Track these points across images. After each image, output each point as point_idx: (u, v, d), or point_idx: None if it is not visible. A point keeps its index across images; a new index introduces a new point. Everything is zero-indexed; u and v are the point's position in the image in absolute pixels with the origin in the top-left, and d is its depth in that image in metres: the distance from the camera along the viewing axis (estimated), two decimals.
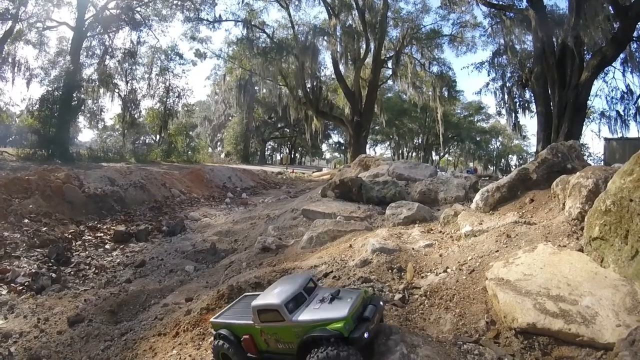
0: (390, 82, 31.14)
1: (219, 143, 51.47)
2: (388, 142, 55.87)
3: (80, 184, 10.31)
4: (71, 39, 22.59)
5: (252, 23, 24.86)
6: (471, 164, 56.73)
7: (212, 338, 2.35)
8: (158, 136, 30.91)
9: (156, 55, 27.10)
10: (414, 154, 53.91)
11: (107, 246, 7.56)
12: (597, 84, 18.87)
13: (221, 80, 32.26)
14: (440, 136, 33.60)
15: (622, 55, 17.00)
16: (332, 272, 3.30)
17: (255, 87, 35.33)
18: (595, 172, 3.26)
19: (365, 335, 1.83)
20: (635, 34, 16.14)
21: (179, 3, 24.46)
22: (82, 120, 31.48)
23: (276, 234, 5.45)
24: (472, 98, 45.48)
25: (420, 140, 50.99)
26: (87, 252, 7.07)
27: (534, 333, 2.12)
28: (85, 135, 57.60)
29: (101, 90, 25.26)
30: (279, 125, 48.95)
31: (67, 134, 21.93)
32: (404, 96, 38.97)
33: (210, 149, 47.14)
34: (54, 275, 5.72)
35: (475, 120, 50.50)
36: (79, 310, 4.32)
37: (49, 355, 3.33)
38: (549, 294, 2.28)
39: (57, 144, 19.88)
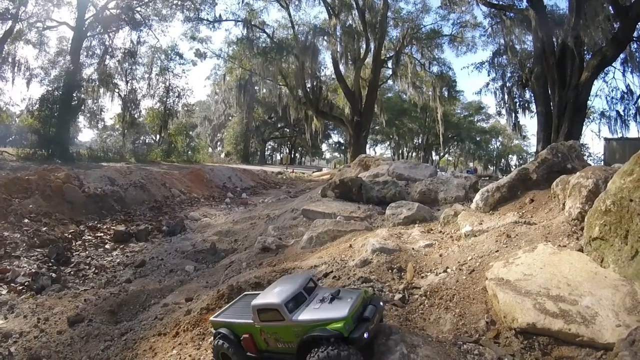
0: (390, 82, 31.16)
1: (219, 143, 51.48)
2: (388, 142, 55.88)
3: (80, 183, 10.31)
4: (71, 39, 22.60)
5: (252, 23, 24.85)
6: (471, 164, 56.73)
7: (212, 337, 2.35)
8: (158, 136, 30.92)
9: (156, 55, 27.14)
10: (414, 154, 53.92)
11: (107, 246, 7.56)
12: (597, 84, 18.91)
13: (221, 80, 32.26)
14: (440, 136, 33.60)
15: (622, 56, 17.00)
16: (332, 272, 3.30)
17: (255, 87, 35.31)
18: (595, 172, 3.26)
19: (365, 335, 1.84)
20: (635, 34, 16.14)
21: (179, 3, 24.46)
22: (82, 120, 31.48)
23: (276, 234, 5.45)
24: (472, 98, 45.55)
25: (420, 140, 51.00)
26: (87, 252, 7.07)
27: (534, 333, 2.12)
28: (85, 135, 57.71)
29: (101, 90, 25.29)
30: (279, 125, 48.95)
31: (67, 134, 21.92)
32: (404, 96, 38.98)
33: (210, 149, 47.15)
34: (54, 275, 5.72)
35: (475, 120, 50.50)
36: (79, 310, 4.32)
37: (49, 355, 3.33)
38: (549, 294, 2.28)
39: (57, 144, 19.87)
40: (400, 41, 25.19)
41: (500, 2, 20.13)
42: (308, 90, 26.09)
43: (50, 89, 22.51)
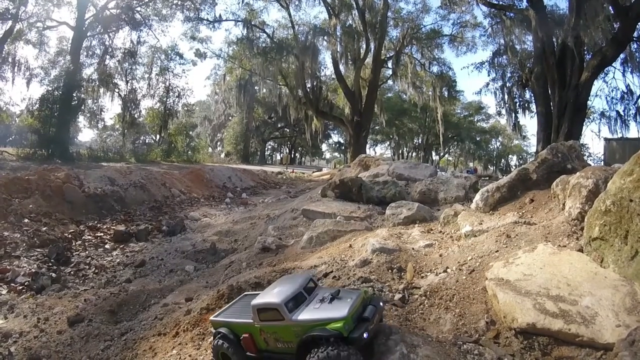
0: (390, 82, 31.17)
1: (219, 143, 51.48)
2: (388, 142, 55.88)
3: (80, 183, 10.31)
4: (71, 39, 22.60)
5: (252, 23, 24.86)
6: (471, 164, 56.73)
7: (212, 337, 2.35)
8: (158, 136, 30.92)
9: (156, 55, 27.15)
10: (414, 154, 53.92)
11: (107, 246, 7.56)
12: (597, 84, 18.90)
13: (221, 80, 32.27)
14: (440, 136, 33.60)
15: (622, 56, 17.01)
16: (332, 272, 3.30)
17: (255, 87, 35.31)
18: (595, 172, 3.26)
19: (365, 335, 1.84)
20: (635, 34, 16.14)
21: (179, 3, 24.47)
22: (82, 120, 31.49)
23: (276, 234, 5.45)
24: (472, 98, 45.53)
25: (420, 140, 51.00)
26: (87, 252, 7.07)
27: (534, 333, 2.12)
28: (85, 135, 57.68)
29: (101, 90, 25.29)
30: (279, 125, 48.95)
31: (67, 134, 21.92)
32: (404, 96, 38.98)
33: (210, 149, 47.16)
34: (53, 275, 5.72)
35: (475, 120, 50.50)
36: (79, 310, 4.32)
37: (49, 355, 3.33)
38: (548, 294, 2.28)
39: (57, 144, 19.87)
40: (400, 41, 25.19)
41: (500, 2, 20.13)
42: (308, 90, 26.09)
43: (50, 88, 22.54)
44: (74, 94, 22.33)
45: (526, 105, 21.47)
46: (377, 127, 43.98)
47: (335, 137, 58.90)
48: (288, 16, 25.01)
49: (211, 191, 14.55)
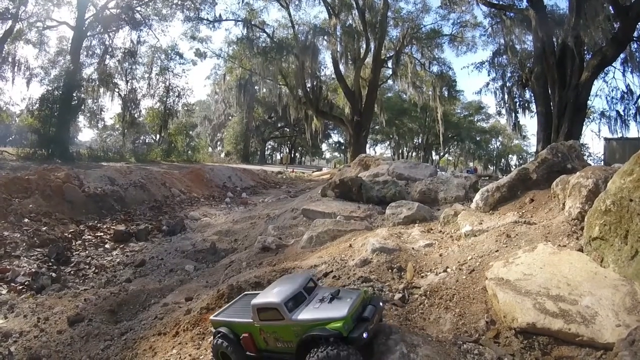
0: (390, 81, 31.16)
1: (219, 143, 51.47)
2: (388, 142, 55.88)
3: (80, 183, 10.31)
4: (71, 39, 22.60)
5: (252, 23, 24.85)
6: (471, 164, 56.74)
7: (212, 337, 2.35)
8: (158, 136, 30.92)
9: (156, 55, 27.16)
10: (414, 153, 53.92)
11: (107, 246, 7.56)
12: (597, 84, 18.91)
13: (221, 80, 32.27)
14: (440, 136, 33.61)
15: (622, 55, 17.00)
16: (332, 271, 3.30)
17: (255, 87, 35.30)
18: (595, 172, 3.26)
19: (365, 335, 1.83)
20: (635, 34, 16.13)
21: (179, 3, 24.46)
22: (82, 120, 31.48)
23: (276, 234, 5.45)
24: (472, 98, 45.62)
25: (420, 140, 51.01)
26: (87, 252, 7.07)
27: (534, 333, 2.12)
28: (85, 134, 57.61)
29: (101, 90, 25.29)
30: (279, 125, 48.94)
31: (67, 134, 21.92)
32: (404, 96, 39.01)
33: (210, 149, 47.15)
34: (53, 274, 5.72)
35: (475, 120, 50.51)
36: (79, 309, 4.32)
37: (49, 355, 3.33)
38: (548, 294, 2.28)
39: (57, 144, 19.87)
40: (400, 41, 25.18)
41: (501, 2, 20.13)
42: (308, 90, 26.09)
43: (50, 88, 22.54)
44: (74, 94, 22.33)
45: (526, 105, 21.49)
46: (377, 127, 43.99)
47: (335, 137, 59.00)
48: (288, 16, 25.03)
49: (211, 191, 14.55)
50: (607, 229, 2.52)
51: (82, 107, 24.94)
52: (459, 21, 24.51)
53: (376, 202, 5.91)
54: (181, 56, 27.67)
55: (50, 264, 6.14)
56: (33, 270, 5.73)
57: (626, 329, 1.94)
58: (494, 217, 3.91)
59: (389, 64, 26.70)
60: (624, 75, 18.73)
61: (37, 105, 21.69)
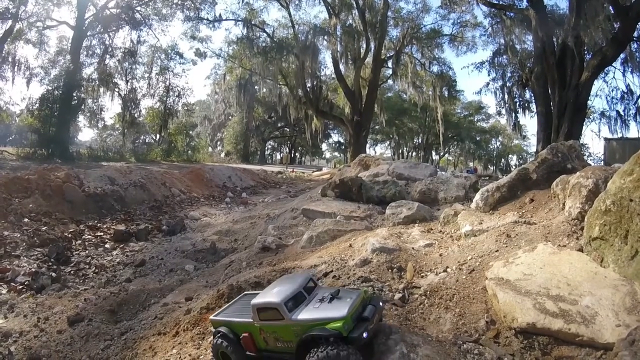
0: (390, 81, 31.15)
1: (219, 142, 51.47)
2: (388, 142, 55.88)
3: (80, 183, 10.30)
4: (71, 38, 22.61)
5: (252, 22, 24.85)
6: (471, 164, 56.74)
7: (212, 336, 2.35)
8: (158, 135, 30.92)
9: (156, 55, 27.17)
10: (414, 153, 53.92)
11: (107, 245, 7.56)
12: (597, 84, 18.91)
13: (221, 80, 32.26)
14: (440, 136, 33.61)
15: (622, 55, 17.00)
16: (332, 271, 3.30)
17: (255, 87, 35.30)
18: (595, 172, 3.26)
19: (364, 335, 1.84)
20: (635, 34, 16.13)
21: (179, 2, 24.47)
22: (82, 120, 31.53)
23: (276, 234, 5.45)
24: (472, 98, 45.60)
25: (420, 140, 51.00)
26: (87, 252, 7.07)
27: (534, 333, 2.12)
28: (85, 134, 57.54)
29: (101, 90, 25.31)
30: (279, 125, 48.96)
31: (67, 133, 21.93)
32: (404, 96, 38.99)
33: (210, 149, 47.16)
34: (53, 274, 5.72)
35: (475, 120, 50.52)
36: (79, 309, 4.32)
37: (49, 355, 3.33)
38: (548, 294, 2.28)
39: (57, 143, 19.88)
40: (400, 41, 25.18)
41: (501, 2, 20.13)
42: (308, 89, 26.08)
43: (50, 88, 22.55)
44: (74, 94, 22.34)
45: (526, 105, 21.50)
46: (377, 127, 43.99)
47: (335, 137, 58.99)
48: (288, 16, 25.03)
49: (211, 191, 14.55)
50: (607, 229, 2.52)
51: (82, 107, 24.96)
52: (459, 21, 24.55)
53: (376, 202, 5.92)
54: (181, 56, 27.75)
55: (50, 263, 6.14)
56: (33, 270, 5.73)
57: (626, 329, 1.94)
58: (494, 217, 3.91)
59: (389, 63, 26.71)
60: (624, 75, 18.77)
61: (37, 105, 21.71)
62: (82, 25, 22.03)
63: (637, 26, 15.51)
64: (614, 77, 19.80)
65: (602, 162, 19.96)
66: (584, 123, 18.44)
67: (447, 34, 25.36)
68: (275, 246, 4.88)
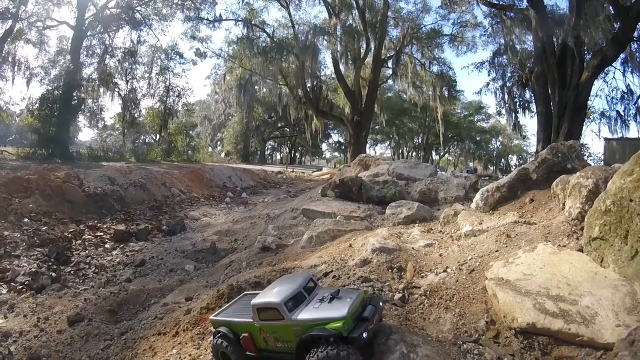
0: (390, 81, 31.15)
1: (219, 142, 51.46)
2: (388, 142, 55.87)
3: (80, 183, 10.30)
4: (71, 38, 22.60)
5: (252, 22, 24.84)
6: (471, 164, 56.73)
7: (212, 336, 2.35)
8: (158, 135, 30.91)
9: (156, 55, 27.16)
10: (414, 153, 53.91)
11: (107, 245, 7.56)
12: (597, 84, 18.90)
13: (221, 80, 32.26)
14: (440, 136, 33.60)
15: (622, 56, 16.99)
16: (332, 271, 3.30)
17: (255, 87, 35.30)
18: (595, 172, 3.26)
19: (364, 335, 1.84)
20: (635, 34, 16.13)
21: (179, 2, 24.47)
22: (82, 120, 31.49)
23: (276, 234, 5.45)
24: (472, 98, 45.62)
25: (420, 140, 51.00)
26: (87, 252, 7.07)
27: (534, 333, 2.12)
28: (85, 134, 57.56)
29: (101, 90, 25.30)
30: (279, 125, 48.95)
31: (67, 133, 21.92)
32: (404, 96, 39.00)
33: (210, 149, 47.16)
34: (53, 274, 5.72)
35: (475, 120, 50.51)
36: (79, 309, 4.32)
37: (49, 355, 3.33)
38: (548, 294, 2.28)
39: (57, 143, 19.87)
40: (400, 41, 25.18)
41: (501, 2, 20.12)
42: (308, 89, 26.08)
43: (50, 88, 22.55)
44: (74, 94, 22.33)
45: (526, 105, 21.48)
46: (377, 127, 43.98)
47: (335, 137, 58.98)
48: (288, 16, 25.02)
49: (211, 191, 14.55)
50: (607, 229, 2.52)
51: (82, 107, 24.94)
52: (459, 21, 24.55)
53: (376, 202, 5.92)
54: (181, 56, 27.75)
55: (50, 263, 6.14)
56: (33, 270, 5.73)
57: (626, 329, 1.94)
58: (494, 217, 3.91)
59: (389, 63, 26.70)
60: (624, 75, 18.76)
61: (37, 105, 21.70)
62: (82, 25, 22.03)
63: (637, 26, 15.51)
64: (614, 77, 19.82)
65: (602, 162, 19.96)
66: (584, 123, 18.46)
67: (447, 34, 25.40)
68: (275, 246, 4.88)
